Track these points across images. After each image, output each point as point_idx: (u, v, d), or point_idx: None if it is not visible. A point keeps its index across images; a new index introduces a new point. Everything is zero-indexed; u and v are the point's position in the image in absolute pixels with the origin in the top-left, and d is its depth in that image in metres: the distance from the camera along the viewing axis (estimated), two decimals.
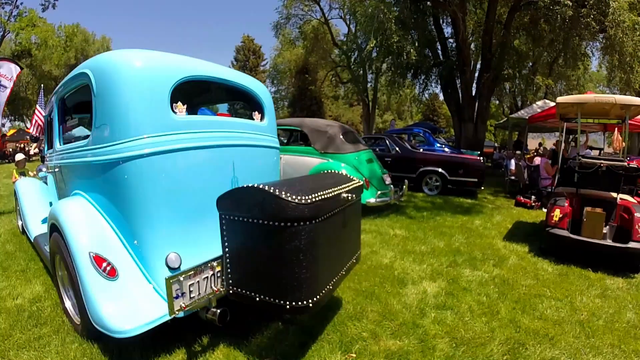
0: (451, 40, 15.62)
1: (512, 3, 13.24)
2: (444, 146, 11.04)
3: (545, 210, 6.85)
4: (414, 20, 13.34)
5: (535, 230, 5.90)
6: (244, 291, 1.86)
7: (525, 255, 4.65)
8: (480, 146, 13.86)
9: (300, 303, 1.70)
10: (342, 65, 28.19)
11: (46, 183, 4.17)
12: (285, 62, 27.53)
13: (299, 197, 1.64)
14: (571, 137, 13.75)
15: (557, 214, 4.60)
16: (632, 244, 4.09)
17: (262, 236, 1.69)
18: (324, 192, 1.84)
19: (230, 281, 1.89)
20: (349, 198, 2.11)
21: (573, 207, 4.78)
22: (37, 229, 3.73)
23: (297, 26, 23.10)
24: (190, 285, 1.82)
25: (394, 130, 15.83)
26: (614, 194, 4.83)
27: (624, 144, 7.56)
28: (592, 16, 10.37)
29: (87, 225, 2.20)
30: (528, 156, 12.41)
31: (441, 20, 14.98)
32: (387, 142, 9.76)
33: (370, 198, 6.31)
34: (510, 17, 13.49)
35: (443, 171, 8.98)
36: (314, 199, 1.71)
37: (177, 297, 1.79)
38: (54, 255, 2.50)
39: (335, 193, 1.98)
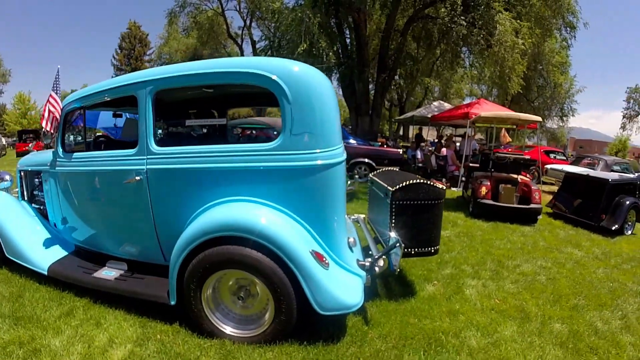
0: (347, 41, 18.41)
1: (410, 15, 16.68)
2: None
3: (454, 189, 9.93)
4: (332, 25, 15.74)
5: (457, 204, 8.63)
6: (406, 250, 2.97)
7: (466, 219, 7.22)
8: (375, 137, 17.20)
9: (437, 247, 3.26)
10: None
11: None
12: (172, 52, 27.29)
13: (439, 186, 3.38)
14: (464, 132, 18.10)
15: (483, 190, 7.32)
16: (532, 205, 7.01)
17: (424, 210, 3.10)
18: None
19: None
20: None
21: (492, 185, 7.57)
22: (45, 256, 3.41)
23: (192, 15, 23.33)
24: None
25: None
26: (516, 176, 7.78)
27: (509, 139, 11.26)
28: (481, 35, 14.10)
29: (291, 227, 2.48)
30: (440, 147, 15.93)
31: (345, 25, 17.62)
32: None
33: None
34: (407, 27, 16.90)
35: (371, 162, 11.47)
36: (443, 187, 3.44)
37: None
38: (206, 272, 2.50)
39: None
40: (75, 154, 3.29)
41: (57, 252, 3.55)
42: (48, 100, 3.72)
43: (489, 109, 11.36)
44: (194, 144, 3.00)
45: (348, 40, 17.86)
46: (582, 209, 7.35)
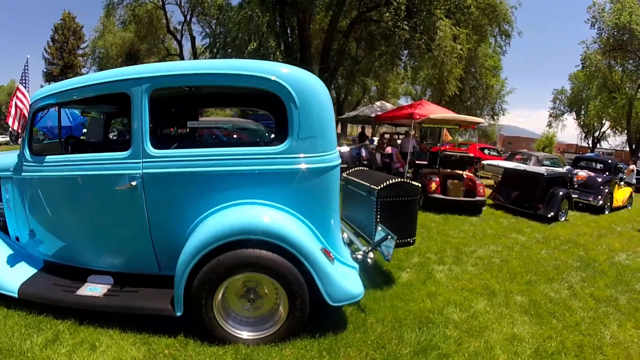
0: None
1: (354, 17, 17.46)
2: None
3: None
4: (277, 24, 15.97)
5: None
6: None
7: (418, 212, 7.84)
8: None
9: (414, 238, 3.69)
10: (174, 54, 28.70)
11: None
12: (107, 46, 25.90)
13: (415, 184, 3.74)
14: (405, 130, 19.27)
15: (433, 185, 7.99)
16: (477, 198, 7.78)
17: (404, 206, 3.47)
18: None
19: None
20: None
21: (440, 180, 8.26)
22: (11, 276, 3.04)
23: (130, 8, 22.35)
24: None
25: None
26: (461, 172, 8.56)
27: (450, 137, 12.27)
28: (423, 40, 15.13)
29: (301, 227, 2.61)
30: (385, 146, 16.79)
31: (288, 24, 17.99)
32: None
33: None
34: (350, 28, 17.67)
35: None
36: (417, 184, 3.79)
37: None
38: (219, 278, 2.50)
39: None
40: (49, 158, 2.95)
41: (25, 270, 3.13)
42: (15, 95, 3.16)
43: (431, 110, 12.23)
44: (182, 144, 3.07)
45: (290, 40, 18.17)
46: (520, 199, 8.31)
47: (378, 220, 3.35)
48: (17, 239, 3.33)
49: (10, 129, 3.34)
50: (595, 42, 25.82)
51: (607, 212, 9.38)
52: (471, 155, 8.94)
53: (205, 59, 19.99)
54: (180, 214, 2.72)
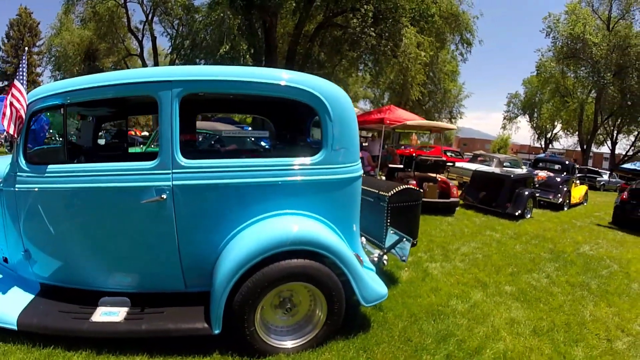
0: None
1: (320, 22, 18.01)
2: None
3: None
4: (244, 27, 16.15)
5: None
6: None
7: None
8: None
9: (417, 239, 4.07)
10: (134, 54, 28.08)
11: None
12: (64, 44, 24.83)
13: (417, 189, 4.11)
14: (371, 134, 20.07)
15: None
16: (451, 199, 8.42)
17: (410, 210, 3.83)
18: None
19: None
20: None
21: (416, 183, 8.84)
22: (6, 305, 2.65)
23: (91, 5, 21.62)
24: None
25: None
26: (434, 174, 9.19)
27: (419, 142, 13.12)
28: (389, 46, 15.87)
29: (333, 235, 2.72)
30: None
31: (254, 25, 18.22)
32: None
33: None
34: (315, 33, 18.20)
35: None
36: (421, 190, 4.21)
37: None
38: (263, 291, 2.50)
39: None
40: (52, 167, 2.66)
41: (19, 297, 2.75)
42: (10, 92, 2.69)
43: (400, 115, 12.92)
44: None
45: (256, 42, 18.36)
46: (487, 199, 9.07)
47: (388, 224, 3.71)
48: (6, 260, 2.96)
49: (5, 133, 2.86)
50: (550, 50, 28.39)
51: (566, 208, 10.43)
52: (444, 159, 9.62)
53: (173, 60, 19.68)
54: (213, 227, 2.66)
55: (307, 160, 2.74)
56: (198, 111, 4.82)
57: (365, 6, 14.83)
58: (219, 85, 2.76)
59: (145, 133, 27.25)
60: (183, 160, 2.59)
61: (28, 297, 2.76)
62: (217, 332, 2.49)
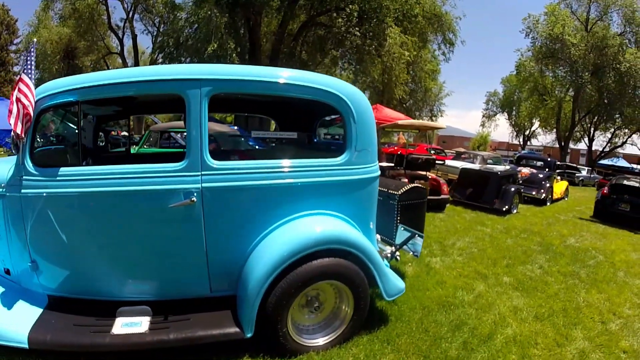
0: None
1: (304, 21, 18.24)
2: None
3: None
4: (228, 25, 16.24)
5: None
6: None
7: None
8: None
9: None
10: (114, 53, 27.73)
11: None
12: (42, 42, 24.23)
13: (424, 187, 4.38)
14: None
15: None
16: (442, 196, 8.78)
17: (417, 207, 4.06)
18: None
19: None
20: None
21: (409, 181, 9.17)
22: (13, 321, 2.45)
23: (70, 2, 21.22)
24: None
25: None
26: (425, 172, 9.55)
27: (404, 140, 13.54)
28: (373, 46, 16.21)
29: (359, 233, 2.88)
30: None
31: (237, 24, 18.31)
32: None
33: None
34: (299, 32, 18.43)
35: None
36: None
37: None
38: (297, 291, 2.56)
39: None
40: (65, 170, 2.50)
41: (27, 311, 2.54)
42: (17, 87, 2.44)
43: (387, 113, 13.23)
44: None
45: (240, 41, 18.42)
46: (474, 195, 9.48)
47: (398, 221, 3.96)
48: (7, 271, 2.74)
49: (12, 133, 2.46)
50: (529, 50, 29.52)
51: (548, 203, 10.98)
52: (434, 157, 9.98)
53: (154, 59, 19.57)
54: (242, 230, 2.67)
55: (333, 161, 2.84)
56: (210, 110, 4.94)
57: (350, 6, 15.15)
58: (249, 86, 2.73)
59: (125, 133, 26.86)
60: (213, 162, 2.54)
61: (36, 311, 2.55)
62: (249, 335, 2.49)
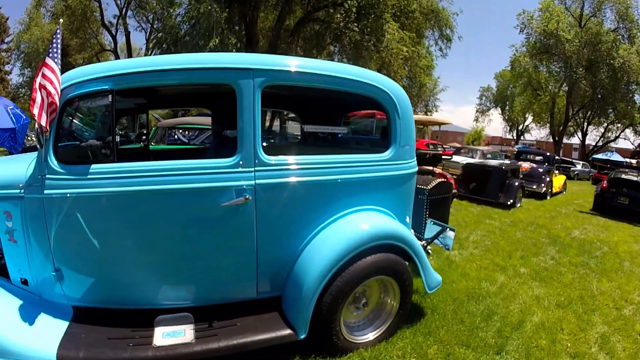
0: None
1: (301, 17, 18.38)
2: None
3: None
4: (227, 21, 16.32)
5: None
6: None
7: None
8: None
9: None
10: (108, 50, 27.59)
11: None
12: (34, 40, 24.03)
13: (449, 182, 4.64)
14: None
15: None
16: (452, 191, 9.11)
17: (444, 201, 4.36)
18: None
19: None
20: None
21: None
22: (39, 338, 2.19)
23: None
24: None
25: None
26: (432, 168, 9.86)
27: None
28: (372, 42, 16.44)
29: (405, 227, 3.02)
30: None
31: (234, 20, 18.37)
32: None
33: None
34: (297, 27, 18.57)
35: None
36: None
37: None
38: (352, 288, 2.59)
39: None
40: (96, 167, 2.28)
41: (51, 325, 2.29)
42: (41, 73, 2.16)
43: None
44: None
45: (237, 37, 18.52)
46: (477, 190, 9.84)
47: (427, 215, 4.23)
48: (25, 282, 2.46)
49: (36, 124, 2.16)
50: (524, 46, 30.05)
51: (548, 197, 11.41)
52: (441, 153, 10.31)
53: (155, 54, 19.47)
54: (294, 228, 2.60)
55: (380, 156, 2.89)
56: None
57: (348, 1, 15.34)
58: (304, 78, 2.63)
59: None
60: (265, 157, 2.44)
61: (62, 325, 2.31)
62: (302, 336, 2.43)
